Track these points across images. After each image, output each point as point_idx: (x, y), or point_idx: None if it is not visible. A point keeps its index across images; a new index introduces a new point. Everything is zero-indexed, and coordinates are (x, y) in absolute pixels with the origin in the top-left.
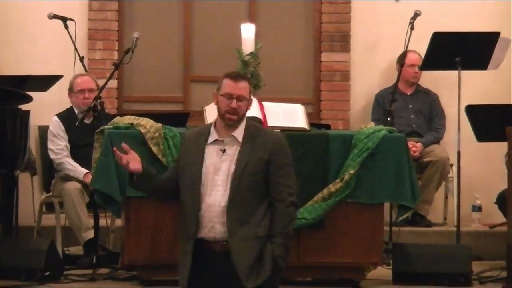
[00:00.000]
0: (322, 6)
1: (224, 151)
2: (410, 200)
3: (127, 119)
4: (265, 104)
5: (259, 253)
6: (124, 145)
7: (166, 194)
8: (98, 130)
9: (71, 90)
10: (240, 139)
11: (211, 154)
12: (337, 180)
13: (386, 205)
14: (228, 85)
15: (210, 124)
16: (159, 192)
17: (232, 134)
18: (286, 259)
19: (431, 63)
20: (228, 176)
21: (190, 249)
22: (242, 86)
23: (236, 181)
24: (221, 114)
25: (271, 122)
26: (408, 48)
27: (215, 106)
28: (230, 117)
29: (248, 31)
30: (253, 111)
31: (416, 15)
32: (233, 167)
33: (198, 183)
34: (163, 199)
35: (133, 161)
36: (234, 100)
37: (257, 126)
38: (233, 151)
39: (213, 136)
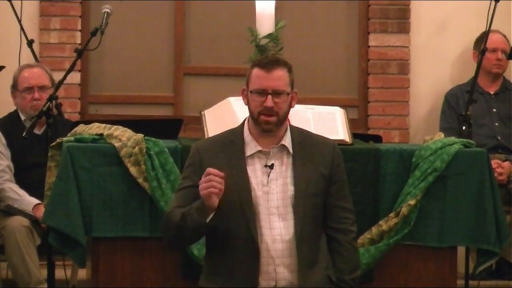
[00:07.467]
0: None
1: (271, 166)
2: (495, 243)
3: (95, 128)
4: None
5: None
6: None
7: (197, 237)
8: (53, 144)
9: (15, 87)
10: (291, 149)
11: (254, 171)
12: (392, 215)
13: (461, 250)
14: (258, 77)
15: (238, 128)
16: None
17: (282, 143)
18: None
19: None
20: (284, 201)
21: None
22: (278, 76)
23: (300, 207)
24: (254, 117)
25: None
26: (492, 28)
27: (220, 111)
28: (267, 119)
29: (265, 4)
30: None
31: None
32: (291, 188)
33: (253, 212)
34: (187, 244)
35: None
36: (269, 97)
37: (299, 129)
38: (283, 167)
39: (253, 145)
